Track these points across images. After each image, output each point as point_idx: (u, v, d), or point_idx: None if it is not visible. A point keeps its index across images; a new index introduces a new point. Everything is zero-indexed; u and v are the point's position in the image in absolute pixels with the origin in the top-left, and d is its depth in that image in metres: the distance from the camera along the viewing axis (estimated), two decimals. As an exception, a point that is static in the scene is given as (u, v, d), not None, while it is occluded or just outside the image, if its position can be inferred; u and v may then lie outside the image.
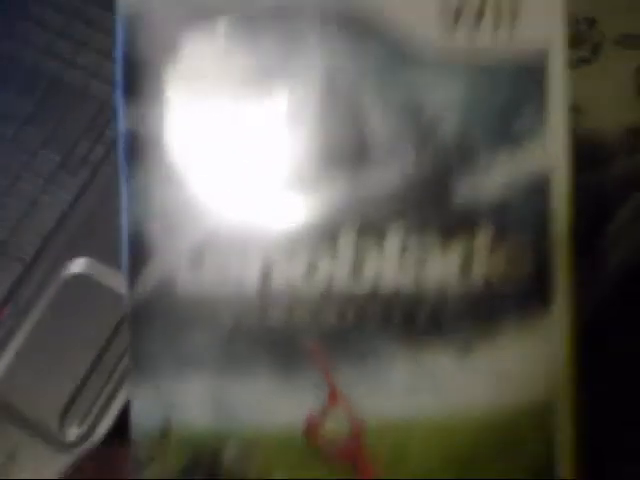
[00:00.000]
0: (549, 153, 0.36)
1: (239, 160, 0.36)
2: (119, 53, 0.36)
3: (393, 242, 0.36)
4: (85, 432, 0.45)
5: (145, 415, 0.35)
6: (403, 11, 0.36)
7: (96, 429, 0.45)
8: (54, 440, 0.45)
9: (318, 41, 0.36)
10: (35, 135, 0.50)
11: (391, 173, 0.36)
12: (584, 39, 0.49)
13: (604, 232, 0.44)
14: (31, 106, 0.50)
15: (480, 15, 0.36)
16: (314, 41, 0.36)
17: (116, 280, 0.46)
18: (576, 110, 0.48)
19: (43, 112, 0.50)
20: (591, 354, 0.35)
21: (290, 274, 0.36)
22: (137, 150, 0.36)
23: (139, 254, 0.36)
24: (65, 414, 0.45)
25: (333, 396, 0.35)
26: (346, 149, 0.36)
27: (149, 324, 0.36)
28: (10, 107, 0.51)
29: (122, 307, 0.41)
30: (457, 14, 0.36)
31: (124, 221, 0.36)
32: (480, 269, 0.35)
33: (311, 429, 0.35)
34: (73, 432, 0.45)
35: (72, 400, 0.45)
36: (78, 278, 0.47)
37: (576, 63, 0.48)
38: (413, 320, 0.35)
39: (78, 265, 0.47)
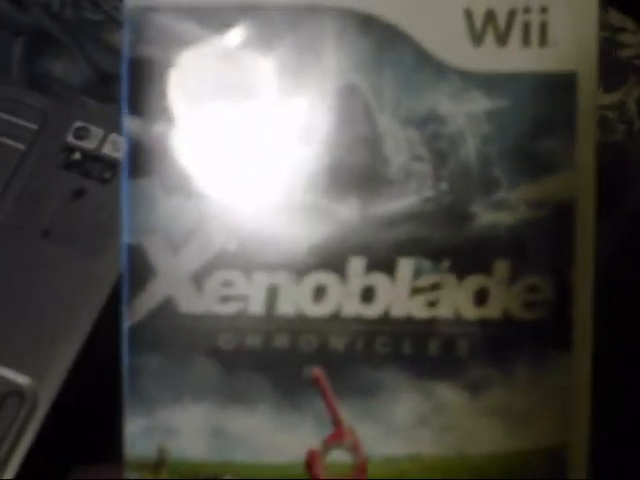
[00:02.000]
0: (576, 181, 0.33)
1: (247, 176, 0.34)
2: (124, 57, 0.35)
3: (406, 268, 0.34)
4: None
5: (139, 443, 0.33)
6: (428, 25, 0.34)
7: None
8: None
9: (335, 50, 0.34)
10: None
11: (407, 195, 0.34)
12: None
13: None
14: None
15: (507, 33, 0.34)
16: (331, 50, 0.34)
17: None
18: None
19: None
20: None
21: (297, 297, 0.34)
22: (141, 160, 0.35)
23: (139, 271, 0.34)
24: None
25: (338, 430, 0.33)
26: (360, 169, 0.34)
27: (147, 346, 0.34)
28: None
29: None
30: (483, 30, 0.34)
31: (124, 235, 0.34)
32: (497, 302, 0.33)
33: (312, 464, 0.33)
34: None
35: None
36: None
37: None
38: (425, 351, 0.34)
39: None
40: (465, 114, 0.34)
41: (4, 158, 0.49)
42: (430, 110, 0.34)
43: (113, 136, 0.50)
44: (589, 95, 0.33)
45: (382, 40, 0.34)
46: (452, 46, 0.34)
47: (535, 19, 0.34)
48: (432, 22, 0.34)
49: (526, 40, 0.34)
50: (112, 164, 0.49)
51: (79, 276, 0.46)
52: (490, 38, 0.34)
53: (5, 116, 0.50)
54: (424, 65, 0.34)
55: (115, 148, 0.49)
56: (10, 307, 0.46)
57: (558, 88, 0.33)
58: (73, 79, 0.57)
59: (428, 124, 0.34)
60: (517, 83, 0.34)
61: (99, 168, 0.49)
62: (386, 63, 0.34)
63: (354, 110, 0.35)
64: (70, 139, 0.50)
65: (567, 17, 0.33)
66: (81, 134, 0.50)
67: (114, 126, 0.50)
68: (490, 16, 0.34)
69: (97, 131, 0.50)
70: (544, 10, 0.33)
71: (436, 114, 0.34)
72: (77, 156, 0.49)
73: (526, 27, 0.34)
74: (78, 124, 0.50)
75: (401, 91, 0.34)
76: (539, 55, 0.34)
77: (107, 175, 0.49)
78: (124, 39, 0.35)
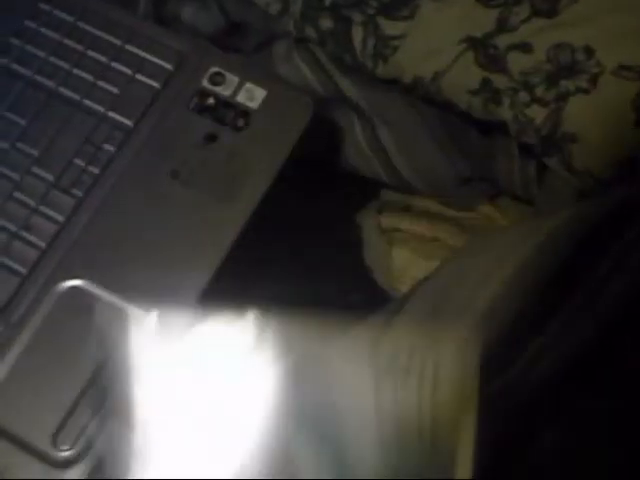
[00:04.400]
0: None
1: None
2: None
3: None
4: (78, 453, 0.42)
5: None
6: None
7: (89, 450, 0.42)
8: (46, 459, 0.42)
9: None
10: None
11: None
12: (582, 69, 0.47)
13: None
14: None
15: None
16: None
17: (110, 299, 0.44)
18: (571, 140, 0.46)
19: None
20: None
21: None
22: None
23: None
24: (58, 433, 0.42)
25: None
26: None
27: None
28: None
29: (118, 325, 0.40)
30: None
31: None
32: None
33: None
34: (65, 452, 0.42)
35: (65, 420, 0.42)
36: (73, 297, 0.45)
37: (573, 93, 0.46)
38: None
39: (72, 285, 0.45)
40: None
41: (138, 95, 0.49)
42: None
43: (248, 85, 0.50)
44: None
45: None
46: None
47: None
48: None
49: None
50: (245, 112, 0.49)
51: (206, 219, 0.46)
52: None
53: (141, 53, 0.50)
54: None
55: (249, 97, 0.49)
56: (135, 244, 0.46)
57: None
58: (202, 26, 0.56)
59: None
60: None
61: (232, 115, 0.49)
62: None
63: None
64: (205, 84, 0.50)
65: None
66: (216, 80, 0.50)
67: (249, 75, 0.50)
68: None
69: (232, 78, 0.50)
70: None
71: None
72: (211, 101, 0.49)
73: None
74: (214, 69, 0.50)
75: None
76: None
77: (240, 123, 0.49)
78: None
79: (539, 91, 0.47)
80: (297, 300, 0.51)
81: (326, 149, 0.54)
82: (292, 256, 0.52)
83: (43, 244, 0.46)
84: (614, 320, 0.36)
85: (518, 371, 0.34)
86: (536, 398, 0.34)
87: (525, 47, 0.48)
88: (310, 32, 0.52)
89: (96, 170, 0.48)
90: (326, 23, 0.52)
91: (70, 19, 0.50)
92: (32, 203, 0.47)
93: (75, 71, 0.50)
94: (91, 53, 0.50)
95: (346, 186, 0.54)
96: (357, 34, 0.51)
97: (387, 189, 0.55)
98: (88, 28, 0.50)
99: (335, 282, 0.52)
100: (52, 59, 0.50)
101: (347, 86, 0.52)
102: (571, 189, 0.49)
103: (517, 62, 0.48)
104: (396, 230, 0.53)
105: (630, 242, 0.38)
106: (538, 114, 0.47)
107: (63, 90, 0.49)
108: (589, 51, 0.47)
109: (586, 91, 0.47)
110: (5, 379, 0.43)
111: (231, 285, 0.46)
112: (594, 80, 0.46)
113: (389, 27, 0.50)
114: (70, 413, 0.42)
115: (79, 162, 0.48)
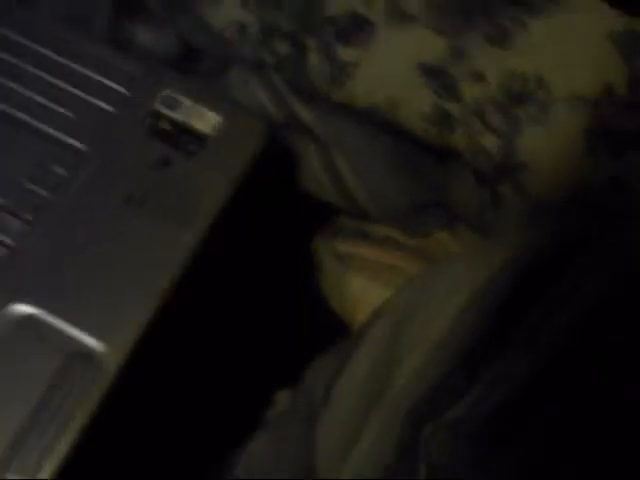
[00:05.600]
0: None
1: None
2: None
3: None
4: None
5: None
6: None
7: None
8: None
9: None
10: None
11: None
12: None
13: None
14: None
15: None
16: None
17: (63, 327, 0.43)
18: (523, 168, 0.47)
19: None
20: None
21: None
22: None
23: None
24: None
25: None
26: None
27: None
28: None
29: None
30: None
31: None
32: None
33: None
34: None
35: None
36: (23, 323, 0.43)
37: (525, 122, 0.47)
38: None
39: (22, 309, 0.43)
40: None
41: (91, 117, 0.49)
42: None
43: (202, 109, 0.49)
44: None
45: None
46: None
47: None
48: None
49: None
50: (200, 137, 0.49)
51: (158, 244, 0.46)
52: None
53: (94, 75, 0.50)
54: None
55: (204, 121, 0.49)
56: (86, 268, 0.45)
57: None
58: (157, 49, 0.56)
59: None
60: None
61: (186, 140, 0.48)
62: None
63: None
64: (159, 107, 0.49)
65: None
66: (171, 103, 0.49)
67: (204, 99, 0.50)
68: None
69: (187, 102, 0.49)
70: None
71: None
72: (164, 125, 0.49)
73: None
74: (168, 93, 0.50)
75: None
76: None
77: (194, 147, 0.48)
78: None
79: (492, 119, 0.48)
80: (249, 325, 0.51)
81: (280, 174, 0.54)
82: (243, 281, 0.51)
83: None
84: (561, 350, 0.37)
85: (470, 403, 0.34)
86: (488, 430, 0.34)
87: (477, 76, 0.49)
88: (266, 57, 0.52)
89: (46, 193, 0.47)
90: (282, 48, 0.52)
91: (23, 40, 0.50)
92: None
93: (26, 92, 0.49)
94: (43, 75, 0.49)
95: (300, 211, 0.54)
96: (313, 59, 0.51)
97: (343, 215, 0.55)
98: (41, 50, 0.50)
99: (290, 309, 0.51)
100: (3, 80, 0.49)
101: (303, 112, 0.52)
102: (524, 216, 0.49)
103: (470, 90, 0.49)
104: (352, 256, 0.53)
105: (580, 270, 0.38)
106: (491, 142, 0.48)
107: (13, 111, 0.48)
108: (541, 80, 0.48)
109: (538, 120, 0.47)
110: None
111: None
112: (546, 109, 0.47)
113: (344, 53, 0.51)
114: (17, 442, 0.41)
115: (29, 185, 0.47)
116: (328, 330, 0.49)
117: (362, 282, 0.52)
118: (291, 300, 0.52)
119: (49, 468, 0.41)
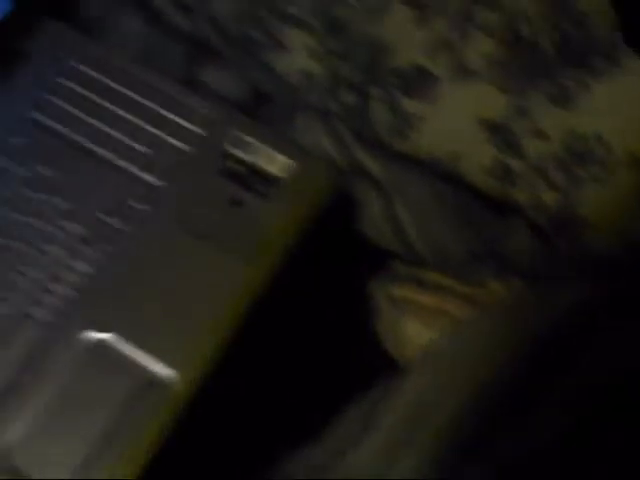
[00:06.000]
0: None
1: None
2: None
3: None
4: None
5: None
6: None
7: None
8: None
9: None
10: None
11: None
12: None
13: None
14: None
15: None
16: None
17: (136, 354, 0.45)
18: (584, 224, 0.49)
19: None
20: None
21: None
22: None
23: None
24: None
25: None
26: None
27: None
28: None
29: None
30: None
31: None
32: None
33: None
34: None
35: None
36: (98, 349, 0.46)
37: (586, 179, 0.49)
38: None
39: (98, 337, 0.46)
40: None
41: (167, 156, 0.51)
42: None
43: (274, 153, 0.51)
44: None
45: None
46: None
47: None
48: None
49: None
50: (271, 180, 0.51)
51: (225, 279, 0.47)
52: None
53: (172, 116, 0.52)
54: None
55: (275, 165, 0.51)
56: (156, 298, 0.47)
57: None
58: (228, 93, 0.58)
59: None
60: None
61: (258, 182, 0.50)
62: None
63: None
64: (232, 149, 0.51)
65: None
66: (243, 146, 0.51)
67: (276, 143, 0.52)
68: None
69: (259, 146, 0.51)
70: None
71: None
72: (238, 166, 0.51)
73: None
74: (241, 136, 0.52)
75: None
76: None
77: (265, 190, 0.50)
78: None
79: (554, 176, 0.49)
80: (307, 364, 0.52)
81: (342, 219, 0.55)
82: (303, 320, 0.53)
83: (70, 295, 0.47)
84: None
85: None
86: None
87: (540, 133, 0.51)
88: (332, 105, 0.55)
89: (122, 225, 0.49)
90: (348, 97, 0.54)
91: (106, 80, 0.52)
92: (61, 254, 0.48)
93: (106, 129, 0.52)
94: (123, 113, 0.52)
95: (358, 256, 0.56)
96: (377, 109, 0.53)
97: (398, 260, 0.57)
98: (122, 89, 0.52)
99: (346, 351, 0.53)
100: (84, 116, 0.52)
101: (366, 160, 0.54)
102: (577, 269, 0.51)
103: (532, 147, 0.50)
104: (408, 301, 0.54)
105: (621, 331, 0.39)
106: (551, 198, 0.50)
107: (95, 148, 0.51)
108: (601, 140, 0.50)
109: (598, 178, 0.49)
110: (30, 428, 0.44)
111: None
112: (606, 169, 0.49)
113: (409, 105, 0.53)
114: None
115: (106, 217, 0.49)
116: (382, 371, 0.50)
117: (417, 327, 0.53)
118: (348, 342, 0.53)
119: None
